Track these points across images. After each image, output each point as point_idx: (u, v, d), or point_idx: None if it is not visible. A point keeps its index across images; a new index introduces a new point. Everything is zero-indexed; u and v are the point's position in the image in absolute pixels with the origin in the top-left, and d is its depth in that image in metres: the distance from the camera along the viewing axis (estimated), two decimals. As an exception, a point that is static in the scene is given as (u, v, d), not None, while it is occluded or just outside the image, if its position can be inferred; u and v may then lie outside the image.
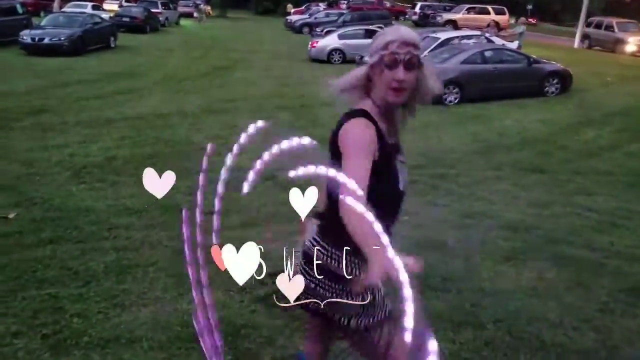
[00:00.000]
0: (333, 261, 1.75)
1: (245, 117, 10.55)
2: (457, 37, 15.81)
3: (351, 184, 1.40)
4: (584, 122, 10.23)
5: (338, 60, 19.47)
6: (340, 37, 19.91)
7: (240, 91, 13.17)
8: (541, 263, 4.04)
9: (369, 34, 19.50)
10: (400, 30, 1.66)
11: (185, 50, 20.36)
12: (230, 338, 2.94)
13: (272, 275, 3.22)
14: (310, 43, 20.29)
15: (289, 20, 32.97)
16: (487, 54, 13.03)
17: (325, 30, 24.94)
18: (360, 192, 1.41)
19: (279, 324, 3.10)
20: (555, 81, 12.84)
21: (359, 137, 1.66)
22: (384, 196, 1.70)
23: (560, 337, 3.02)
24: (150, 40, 22.72)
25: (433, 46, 14.87)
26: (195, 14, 36.13)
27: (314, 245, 1.79)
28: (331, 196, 1.65)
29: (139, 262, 3.87)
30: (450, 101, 12.36)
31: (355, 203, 1.36)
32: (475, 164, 7.92)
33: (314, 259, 1.70)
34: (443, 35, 15.75)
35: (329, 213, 1.74)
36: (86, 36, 17.95)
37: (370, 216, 1.32)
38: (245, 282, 3.52)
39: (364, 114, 1.72)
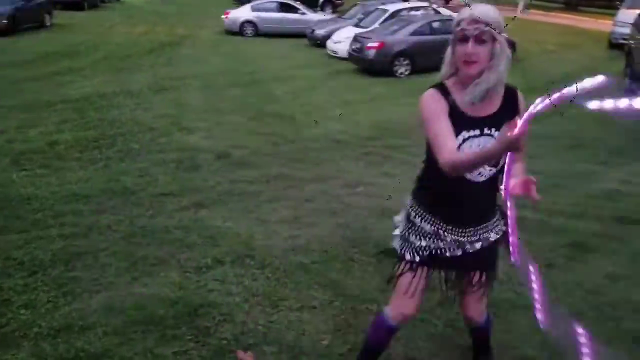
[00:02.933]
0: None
1: (196, 95, 10.29)
2: (406, 8, 15.85)
3: (440, 146, 1.76)
4: (527, 89, 10.31)
5: (250, 33, 18.79)
6: (254, 8, 19.17)
7: (188, 68, 12.81)
8: (490, 225, 4.17)
9: (284, 7, 19.05)
10: (474, 9, 1.78)
11: (128, 26, 19.54)
12: (188, 318, 2.91)
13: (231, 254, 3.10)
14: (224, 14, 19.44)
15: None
16: (435, 25, 13.15)
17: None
18: (451, 146, 1.75)
19: (237, 301, 3.10)
20: (500, 50, 13.13)
21: (426, 105, 1.86)
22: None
23: (508, 293, 3.15)
24: (90, 18, 21.64)
25: (382, 18, 14.87)
26: None
27: None
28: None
29: (88, 248, 3.75)
30: (401, 73, 12.45)
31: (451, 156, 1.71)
32: (426, 133, 8.06)
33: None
34: (392, 7, 15.75)
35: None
36: (18, 15, 16.87)
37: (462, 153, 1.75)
38: (202, 263, 3.51)
39: (436, 85, 1.91)
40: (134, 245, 3.80)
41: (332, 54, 14.87)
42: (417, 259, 2.06)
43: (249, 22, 19.00)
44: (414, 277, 2.07)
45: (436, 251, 2.04)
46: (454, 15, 12.20)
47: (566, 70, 11.51)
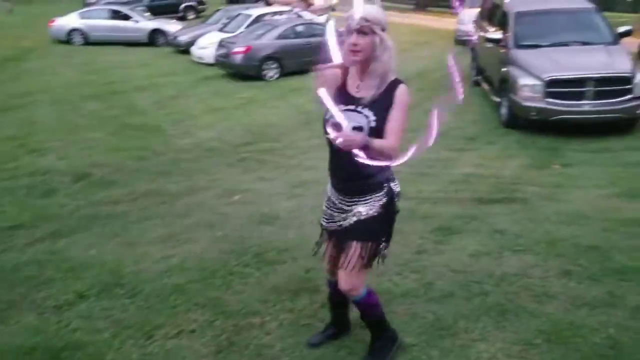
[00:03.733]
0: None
1: (46, 112, 9.39)
2: (269, 13, 15.94)
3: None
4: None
5: (80, 42, 17.99)
6: (82, 16, 18.49)
7: (37, 83, 11.69)
8: (364, 220, 4.28)
9: (116, 15, 18.58)
10: (360, 8, 2.11)
11: (-41, 41, 17.33)
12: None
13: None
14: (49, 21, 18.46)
15: (88, 2, 29.87)
16: (299, 28, 13.39)
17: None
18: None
19: (106, 337, 2.82)
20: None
21: None
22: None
23: (386, 283, 3.24)
24: None
25: (247, 23, 14.79)
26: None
27: None
28: None
29: None
30: (271, 76, 12.49)
31: None
32: (300, 135, 8.14)
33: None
34: (255, 12, 15.74)
35: None
36: None
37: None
38: (63, 300, 3.15)
39: (338, 65, 2.23)
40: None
41: (198, 60, 14.49)
42: (322, 223, 2.46)
43: (76, 30, 18.02)
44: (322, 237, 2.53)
45: (328, 220, 2.40)
46: (316, 19, 12.62)
47: (420, 66, 12.33)
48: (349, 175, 2.27)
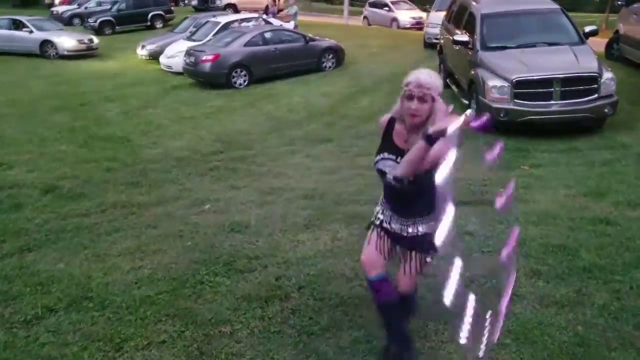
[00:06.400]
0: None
1: (13, 124, 9.17)
2: (237, 20, 15.90)
3: None
4: (359, 91, 11.23)
5: None
6: None
7: (4, 96, 11.41)
8: (335, 225, 4.32)
9: (16, 24, 18.50)
10: (419, 75, 2.29)
11: None
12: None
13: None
14: None
15: (54, 12, 29.36)
16: (267, 35, 13.38)
17: (99, 20, 22.88)
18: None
19: (75, 351, 2.78)
20: (330, 56, 13.79)
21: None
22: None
23: (357, 289, 3.27)
24: None
25: (215, 30, 14.72)
26: None
27: None
28: None
29: None
30: (240, 84, 12.44)
31: None
32: (270, 142, 8.14)
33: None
34: (223, 19, 15.67)
35: None
36: None
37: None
38: (31, 315, 3.08)
39: (390, 118, 2.50)
40: None
41: (167, 69, 14.35)
42: (377, 222, 2.65)
43: None
44: (373, 232, 2.65)
45: (386, 229, 2.61)
46: (285, 25, 12.56)
47: (390, 70, 12.44)
48: (410, 205, 2.50)
